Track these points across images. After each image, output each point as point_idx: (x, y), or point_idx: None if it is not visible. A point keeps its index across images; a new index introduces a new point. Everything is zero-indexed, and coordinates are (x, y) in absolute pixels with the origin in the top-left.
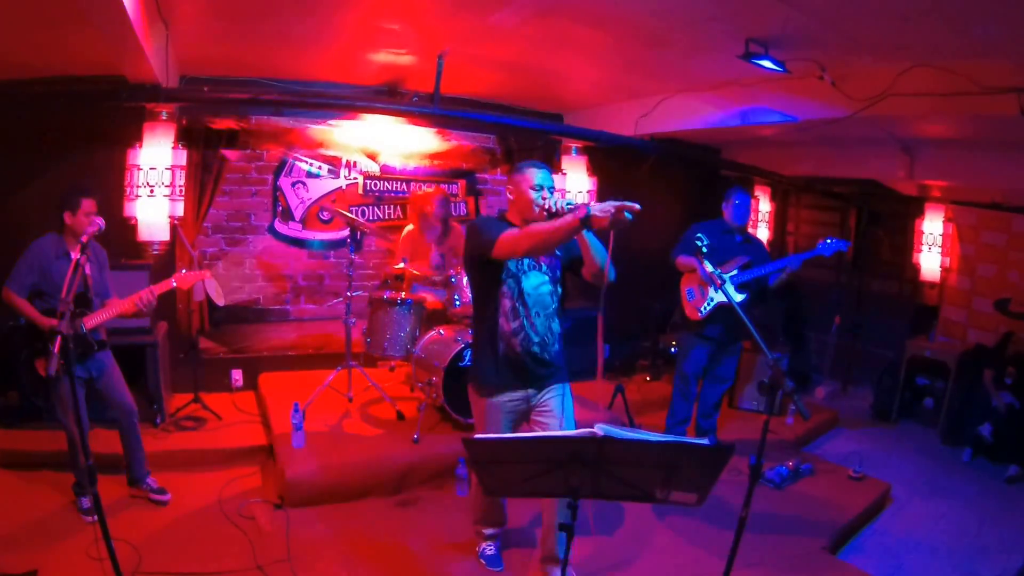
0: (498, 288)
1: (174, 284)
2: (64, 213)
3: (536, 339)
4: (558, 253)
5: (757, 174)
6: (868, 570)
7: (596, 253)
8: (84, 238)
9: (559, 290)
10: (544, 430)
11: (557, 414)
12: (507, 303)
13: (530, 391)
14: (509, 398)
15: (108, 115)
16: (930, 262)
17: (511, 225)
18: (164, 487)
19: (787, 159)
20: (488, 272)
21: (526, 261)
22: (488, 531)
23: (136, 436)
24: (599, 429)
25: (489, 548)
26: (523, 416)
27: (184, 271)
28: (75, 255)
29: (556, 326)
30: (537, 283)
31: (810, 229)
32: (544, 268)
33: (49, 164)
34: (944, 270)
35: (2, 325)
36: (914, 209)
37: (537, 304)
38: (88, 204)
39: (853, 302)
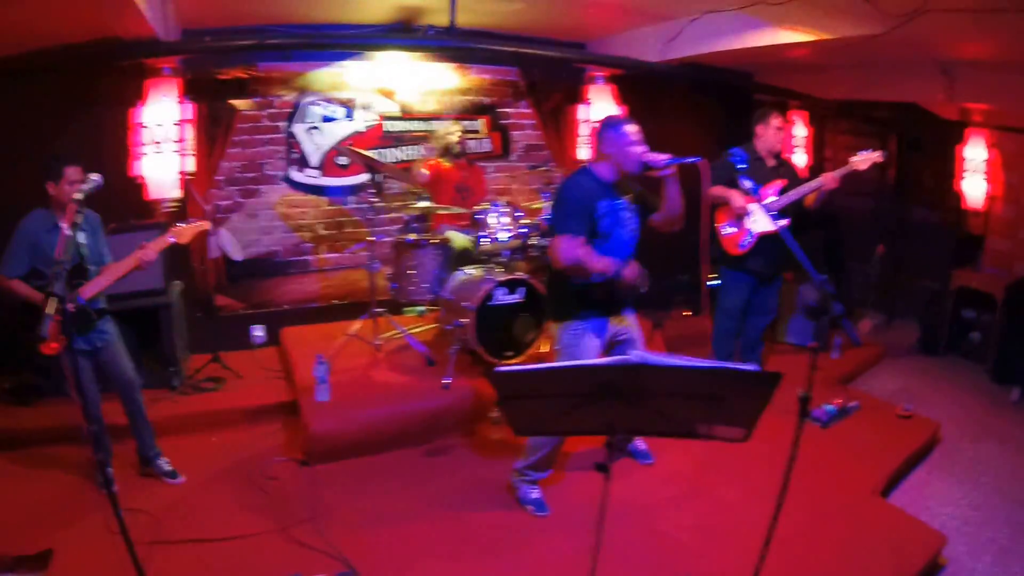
0: (591, 241)
1: (171, 240)
2: (47, 184)
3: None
4: (635, 201)
5: (792, 97)
6: (919, 515)
7: (675, 201)
8: (78, 195)
9: (637, 234)
10: (624, 343)
11: (634, 334)
12: (603, 254)
13: (611, 319)
14: (599, 328)
15: (108, 76)
16: (974, 189)
17: (602, 184)
18: (176, 469)
19: (823, 82)
20: (593, 230)
21: (620, 215)
22: (536, 475)
23: (141, 411)
24: (633, 356)
25: (534, 491)
26: (603, 334)
27: (180, 224)
28: (65, 224)
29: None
30: (625, 232)
31: (848, 155)
32: (631, 214)
33: (50, 134)
34: (988, 198)
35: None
36: (955, 134)
37: (626, 253)
38: (72, 171)
39: (896, 231)
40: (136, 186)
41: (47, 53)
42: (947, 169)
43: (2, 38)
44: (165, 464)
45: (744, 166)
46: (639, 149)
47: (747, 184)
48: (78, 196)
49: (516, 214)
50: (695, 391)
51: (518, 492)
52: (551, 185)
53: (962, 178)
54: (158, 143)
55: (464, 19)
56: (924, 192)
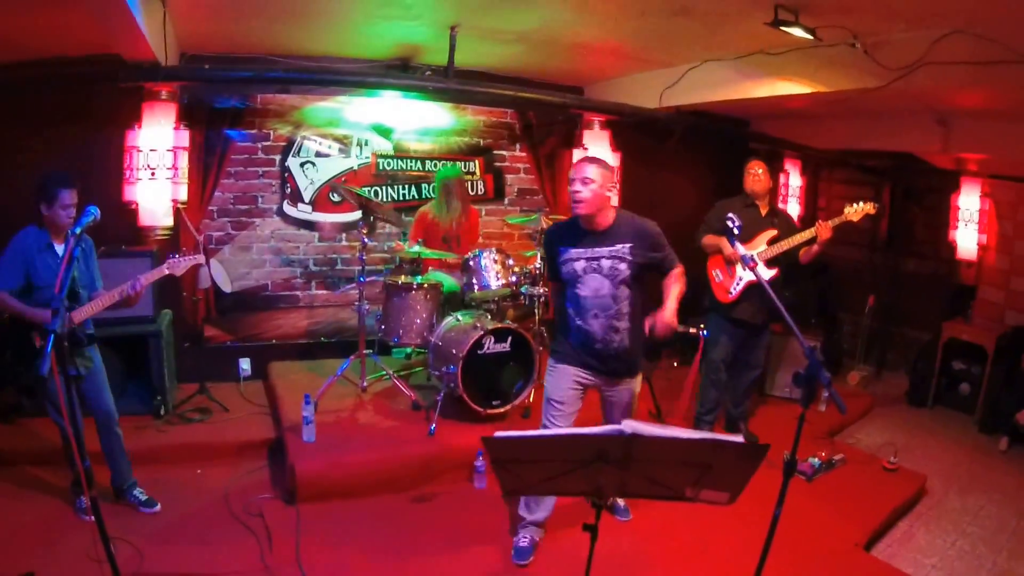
0: (564, 289)
1: (166, 271)
2: (40, 205)
3: (597, 338)
4: (627, 255)
5: (787, 147)
6: (905, 567)
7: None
8: (76, 229)
9: (626, 291)
10: (608, 412)
11: (620, 406)
12: (571, 304)
13: (599, 379)
14: (577, 373)
15: (105, 96)
16: (966, 240)
17: (582, 229)
18: (153, 497)
19: (818, 131)
20: (557, 275)
21: (582, 266)
22: (530, 518)
23: (120, 444)
24: (626, 427)
25: (523, 539)
26: (594, 389)
27: (176, 256)
28: (62, 247)
29: (623, 324)
30: (596, 287)
31: (842, 205)
32: (605, 270)
33: (45, 148)
34: (981, 248)
35: None
36: (950, 184)
37: (596, 307)
38: (66, 195)
39: (887, 282)
40: (128, 211)
41: (47, 64)
42: (940, 219)
43: (2, 44)
44: (140, 494)
45: (737, 231)
46: (570, 188)
47: (740, 249)
48: (76, 230)
49: (507, 261)
50: (685, 459)
51: (515, 536)
52: (542, 233)
53: (955, 228)
54: (152, 169)
55: (462, 59)
56: (917, 242)
